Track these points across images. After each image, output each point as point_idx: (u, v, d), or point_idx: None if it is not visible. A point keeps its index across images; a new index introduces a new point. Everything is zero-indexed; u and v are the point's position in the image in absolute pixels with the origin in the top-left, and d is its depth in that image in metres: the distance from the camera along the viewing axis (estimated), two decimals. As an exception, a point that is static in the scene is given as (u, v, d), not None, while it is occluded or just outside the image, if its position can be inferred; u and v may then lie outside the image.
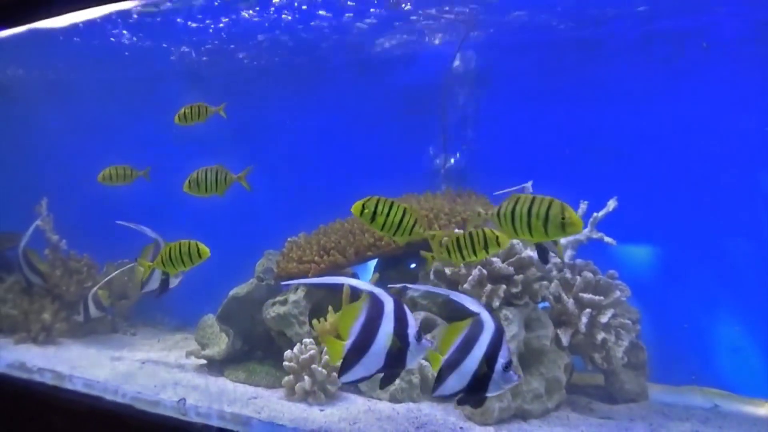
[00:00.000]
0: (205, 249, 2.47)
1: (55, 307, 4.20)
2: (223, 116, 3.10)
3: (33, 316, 4.09)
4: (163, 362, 3.63)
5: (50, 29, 4.45)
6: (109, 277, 4.16)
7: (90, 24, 4.52)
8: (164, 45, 5.14)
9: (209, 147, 4.34)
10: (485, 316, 1.76)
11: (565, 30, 4.37)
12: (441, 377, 1.78)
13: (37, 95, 5.85)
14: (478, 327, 1.75)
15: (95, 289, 3.90)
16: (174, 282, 2.82)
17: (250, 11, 4.32)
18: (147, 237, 3.15)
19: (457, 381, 1.75)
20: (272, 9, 4.28)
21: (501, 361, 1.69)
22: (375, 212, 2.12)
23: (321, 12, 4.31)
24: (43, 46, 5.00)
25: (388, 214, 2.12)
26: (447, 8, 4.12)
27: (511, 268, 2.83)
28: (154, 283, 2.83)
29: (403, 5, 3.98)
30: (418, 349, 1.79)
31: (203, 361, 3.54)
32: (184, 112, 2.96)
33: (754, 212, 3.66)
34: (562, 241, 3.14)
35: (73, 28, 4.65)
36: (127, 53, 5.22)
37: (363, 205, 2.13)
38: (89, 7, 3.11)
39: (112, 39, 4.85)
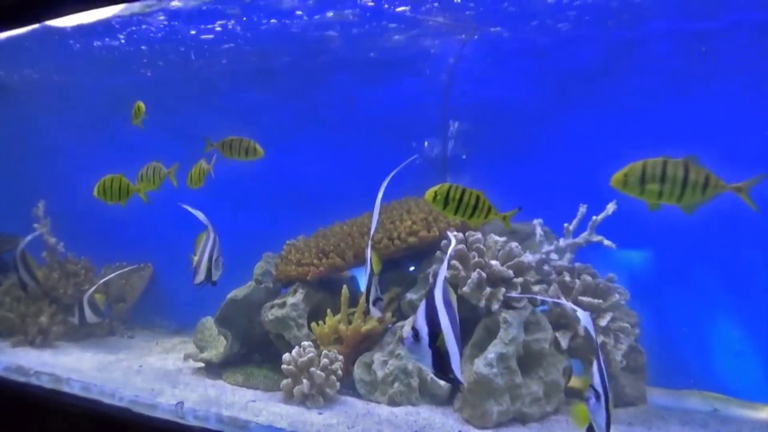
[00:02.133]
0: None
1: (52, 310, 4.18)
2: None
3: (30, 319, 4.06)
4: (161, 365, 3.62)
5: (52, 30, 4.46)
6: (104, 279, 4.13)
7: (90, 27, 4.51)
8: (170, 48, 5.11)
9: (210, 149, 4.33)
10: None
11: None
12: None
13: (38, 97, 5.83)
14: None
15: (90, 291, 3.86)
16: (216, 274, 2.86)
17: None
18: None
19: None
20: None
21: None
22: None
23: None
24: (43, 48, 5.00)
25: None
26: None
27: (510, 271, 2.83)
28: (202, 275, 2.86)
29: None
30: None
31: (201, 364, 3.52)
32: (137, 106, 3.34)
33: (754, 215, 3.65)
34: (561, 243, 3.14)
35: (76, 31, 4.63)
36: (123, 58, 5.20)
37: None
38: (91, 8, 3.12)
39: (118, 41, 4.83)
